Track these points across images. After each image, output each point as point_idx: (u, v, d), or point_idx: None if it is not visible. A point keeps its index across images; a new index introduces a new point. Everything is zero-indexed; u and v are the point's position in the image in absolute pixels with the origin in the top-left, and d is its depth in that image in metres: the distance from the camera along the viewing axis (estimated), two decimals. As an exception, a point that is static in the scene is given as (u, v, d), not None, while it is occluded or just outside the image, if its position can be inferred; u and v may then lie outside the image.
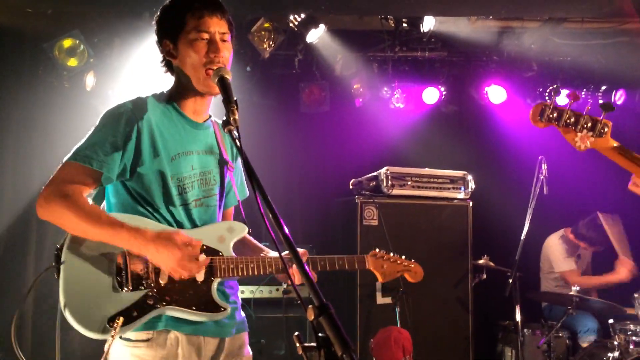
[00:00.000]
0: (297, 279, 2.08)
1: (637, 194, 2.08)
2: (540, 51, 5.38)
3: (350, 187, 4.92)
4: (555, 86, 1.85)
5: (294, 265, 1.95)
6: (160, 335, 1.99)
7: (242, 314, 2.25)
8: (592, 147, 1.99)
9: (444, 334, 4.70)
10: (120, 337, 1.97)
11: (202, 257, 2.04)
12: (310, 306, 1.32)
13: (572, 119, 1.96)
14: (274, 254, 2.24)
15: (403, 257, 2.49)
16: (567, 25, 5.12)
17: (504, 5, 4.64)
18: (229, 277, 2.10)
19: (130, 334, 1.97)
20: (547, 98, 1.87)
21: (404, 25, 5.08)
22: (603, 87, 5.73)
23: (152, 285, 1.98)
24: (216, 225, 2.17)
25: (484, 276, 4.79)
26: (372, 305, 4.51)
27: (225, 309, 2.06)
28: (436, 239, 4.74)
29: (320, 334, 1.30)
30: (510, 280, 4.33)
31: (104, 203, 2.17)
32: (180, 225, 2.07)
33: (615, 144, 1.97)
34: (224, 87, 1.89)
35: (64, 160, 1.99)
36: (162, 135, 2.06)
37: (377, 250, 2.42)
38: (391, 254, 2.42)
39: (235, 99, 1.82)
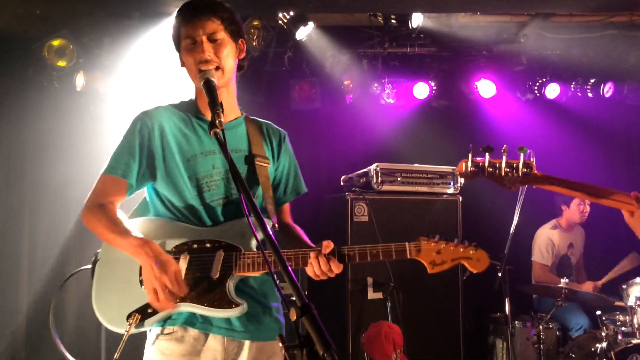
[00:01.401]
0: (317, 268, 2.00)
1: (634, 229, 2.20)
2: (529, 45, 5.41)
3: (341, 183, 4.96)
4: (486, 146, 2.03)
5: (313, 256, 1.98)
6: (181, 331, 2.06)
7: (282, 320, 2.21)
8: (522, 184, 2.22)
9: (435, 328, 4.75)
10: (149, 331, 2.10)
11: (220, 255, 2.04)
12: (292, 306, 1.35)
13: (491, 169, 2.20)
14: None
15: (466, 242, 2.13)
16: (555, 19, 5.15)
17: (492, 1, 4.66)
18: (246, 274, 2.07)
19: (156, 329, 2.08)
20: (470, 154, 2.15)
21: (393, 21, 5.10)
22: (592, 80, 5.78)
23: None
24: (238, 221, 2.14)
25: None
26: (363, 301, 4.55)
27: (240, 305, 2.02)
28: (426, 234, 4.76)
29: (302, 334, 1.33)
30: (500, 274, 4.37)
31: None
32: (202, 224, 2.12)
33: (541, 175, 2.20)
34: (209, 89, 1.94)
35: (100, 173, 2.17)
36: (176, 139, 2.15)
37: (428, 236, 2.11)
38: (446, 240, 2.09)
39: (220, 101, 1.85)
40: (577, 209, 5.35)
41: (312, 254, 2.01)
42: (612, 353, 4.07)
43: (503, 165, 2.19)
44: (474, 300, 5.02)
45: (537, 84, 5.76)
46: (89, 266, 2.15)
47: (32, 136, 4.87)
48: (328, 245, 2.01)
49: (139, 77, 4.76)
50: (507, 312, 4.44)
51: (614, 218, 5.64)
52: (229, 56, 2.14)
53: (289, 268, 1.45)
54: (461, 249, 2.09)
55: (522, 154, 2.18)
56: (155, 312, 2.02)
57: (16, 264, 4.77)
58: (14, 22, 4.60)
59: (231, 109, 2.25)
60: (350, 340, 4.48)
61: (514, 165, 2.20)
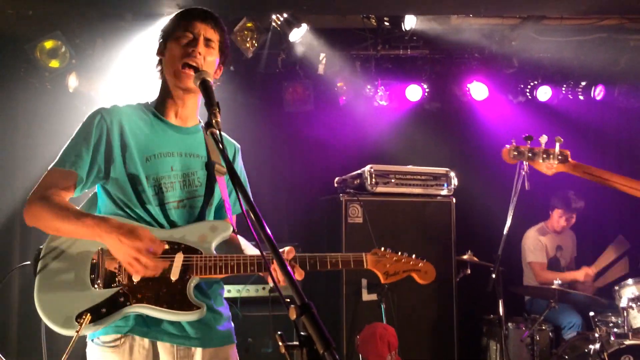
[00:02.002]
0: (281, 277, 2.04)
1: None
2: (520, 48, 5.44)
3: (335, 185, 4.95)
4: (527, 135, 2.63)
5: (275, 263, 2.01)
6: (129, 340, 2.01)
7: (231, 325, 2.21)
8: (557, 171, 2.67)
9: (429, 329, 4.76)
10: (92, 340, 2.02)
11: (179, 257, 2.03)
12: (292, 305, 1.35)
13: (530, 154, 2.69)
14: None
15: (413, 255, 2.28)
16: (546, 22, 5.19)
17: (484, 4, 4.69)
18: (207, 277, 2.07)
19: (101, 337, 2.00)
20: (513, 141, 2.75)
21: (386, 23, 5.12)
22: (583, 83, 5.81)
23: (125, 283, 1.99)
24: (198, 224, 2.14)
25: (469, 271, 4.85)
26: (357, 302, 4.55)
27: (199, 308, 2.00)
28: (420, 236, 4.79)
29: (302, 333, 1.33)
30: (493, 275, 4.37)
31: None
32: (159, 225, 2.08)
33: (575, 164, 2.65)
34: (206, 89, 1.91)
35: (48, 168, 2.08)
36: (135, 137, 2.10)
37: (381, 249, 2.23)
38: (398, 253, 2.24)
39: (217, 101, 1.84)
40: (556, 218, 5.38)
41: (275, 262, 2.02)
42: (605, 354, 4.08)
43: (541, 152, 2.63)
44: (468, 302, 5.03)
45: (529, 87, 5.80)
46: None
47: (24, 137, 4.84)
48: (291, 252, 2.06)
49: (131, 78, 4.74)
50: (501, 314, 4.46)
51: (605, 224, 5.71)
52: (212, 66, 2.14)
53: (288, 267, 1.45)
54: (411, 262, 2.26)
55: (557, 143, 2.61)
56: (109, 312, 1.94)
57: (6, 269, 4.73)
58: (5, 23, 4.57)
59: (193, 116, 2.24)
60: (344, 342, 4.48)
61: (551, 152, 2.64)
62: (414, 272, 2.24)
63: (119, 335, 2.00)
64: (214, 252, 2.10)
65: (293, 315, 1.33)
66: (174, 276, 2.01)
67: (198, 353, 2.07)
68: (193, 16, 2.13)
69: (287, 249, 2.06)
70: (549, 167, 2.62)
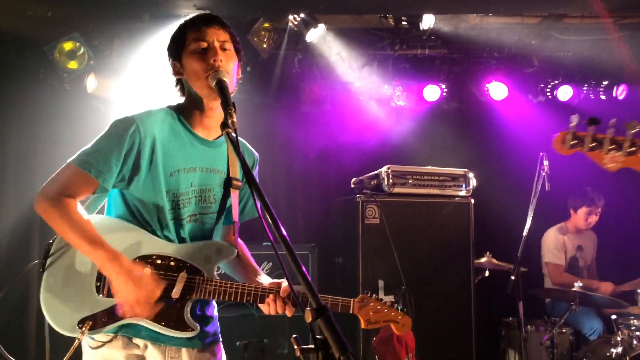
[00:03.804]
0: (273, 308, 2.10)
1: None
2: (540, 47, 5.37)
3: (352, 185, 4.93)
4: (592, 118, 1.81)
5: (271, 298, 2.09)
6: (121, 339, 2.04)
7: (217, 325, 2.25)
8: (623, 166, 2.01)
9: (447, 331, 4.71)
10: (86, 339, 2.06)
11: (183, 277, 2.05)
12: (307, 308, 1.33)
13: (595, 143, 2.01)
14: (265, 278, 2.23)
15: (396, 305, 2.36)
16: (567, 20, 5.11)
17: (504, 3, 4.63)
18: (204, 299, 2.12)
19: (95, 336, 2.04)
20: (571, 125, 1.89)
21: (404, 23, 5.08)
22: (604, 82, 5.72)
23: None
24: (205, 244, 2.16)
25: (487, 273, 4.79)
26: (374, 304, 4.51)
27: (193, 330, 2.07)
28: (438, 237, 4.74)
29: (318, 336, 1.31)
30: (513, 277, 4.31)
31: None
32: (168, 239, 2.10)
33: None
34: (222, 89, 1.91)
35: (67, 161, 2.05)
36: (164, 151, 2.08)
37: (367, 294, 2.31)
38: (381, 301, 2.31)
39: (233, 101, 1.82)
40: (583, 216, 5.30)
41: (270, 296, 2.11)
42: (627, 358, 4.01)
43: (608, 140, 2.00)
44: (486, 305, 4.97)
45: (549, 86, 5.71)
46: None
47: (43, 138, 4.88)
48: (286, 289, 2.10)
49: (149, 79, 4.76)
50: (520, 316, 4.40)
51: (627, 226, 5.61)
52: (234, 70, 2.10)
53: (304, 269, 1.43)
54: (392, 313, 2.32)
55: (631, 131, 1.99)
56: (109, 322, 2.00)
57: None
58: (25, 24, 4.62)
59: (217, 126, 2.13)
60: (361, 344, 4.45)
61: (621, 142, 2.02)
62: (393, 323, 2.32)
63: (112, 335, 2.04)
64: (215, 275, 2.13)
65: (309, 318, 1.32)
66: (176, 295, 2.04)
67: (185, 353, 2.12)
68: (198, 24, 2.09)
69: (284, 285, 2.10)
70: (614, 160, 1.99)
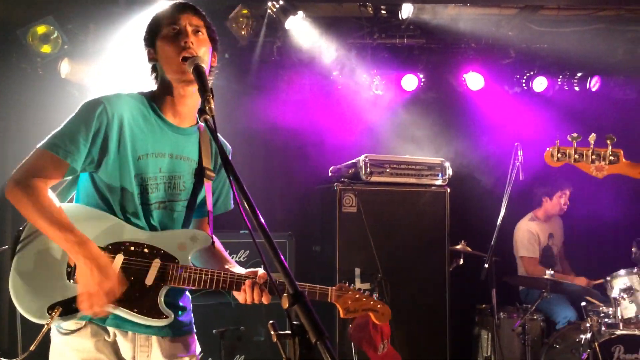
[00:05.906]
0: (249, 296, 2.08)
1: None
2: (517, 38, 5.42)
3: (330, 174, 4.95)
4: (572, 135, 2.43)
5: (248, 284, 2.07)
6: (90, 327, 2.01)
7: (190, 316, 2.24)
8: (609, 173, 2.37)
9: (422, 318, 4.78)
10: (55, 326, 2.02)
11: (156, 264, 2.02)
12: (284, 295, 1.34)
13: (577, 156, 2.38)
14: (238, 269, 2.21)
15: (375, 295, 2.36)
16: (543, 12, 5.17)
17: (481, -7, 4.66)
18: (179, 286, 2.08)
19: (63, 324, 2.00)
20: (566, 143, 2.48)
21: (383, 12, 5.08)
22: (579, 74, 5.80)
23: None
24: (179, 232, 2.16)
25: (462, 261, 4.86)
26: (351, 291, 4.55)
27: (167, 317, 2.04)
28: (414, 225, 4.80)
29: (294, 322, 1.32)
30: (486, 265, 4.39)
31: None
32: (137, 225, 2.07)
33: (629, 164, 2.37)
34: (199, 75, 1.89)
35: (37, 146, 2.02)
36: (133, 134, 2.06)
37: (345, 284, 2.30)
38: (360, 291, 2.30)
39: (210, 87, 1.81)
40: (558, 201, 5.41)
41: (247, 282, 2.09)
42: (595, 344, 4.11)
43: (590, 153, 2.36)
44: (460, 292, 5.05)
45: (525, 77, 5.78)
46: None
47: (16, 123, 4.80)
48: (263, 277, 2.09)
49: (124, 64, 4.69)
50: (494, 303, 4.48)
51: (594, 209, 5.71)
52: (206, 55, 2.10)
53: (281, 256, 1.44)
54: (371, 302, 2.31)
55: (610, 143, 2.36)
56: (78, 308, 1.94)
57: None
58: (-3, 7, 4.52)
59: (191, 115, 2.18)
60: (337, 330, 4.49)
61: (601, 153, 2.37)
62: (372, 312, 2.31)
63: (81, 323, 2.00)
64: (190, 262, 2.11)
65: (285, 304, 1.34)
66: (149, 282, 2.01)
67: (156, 341, 2.09)
68: (172, 11, 2.10)
69: (260, 273, 2.10)
70: (599, 168, 2.34)
